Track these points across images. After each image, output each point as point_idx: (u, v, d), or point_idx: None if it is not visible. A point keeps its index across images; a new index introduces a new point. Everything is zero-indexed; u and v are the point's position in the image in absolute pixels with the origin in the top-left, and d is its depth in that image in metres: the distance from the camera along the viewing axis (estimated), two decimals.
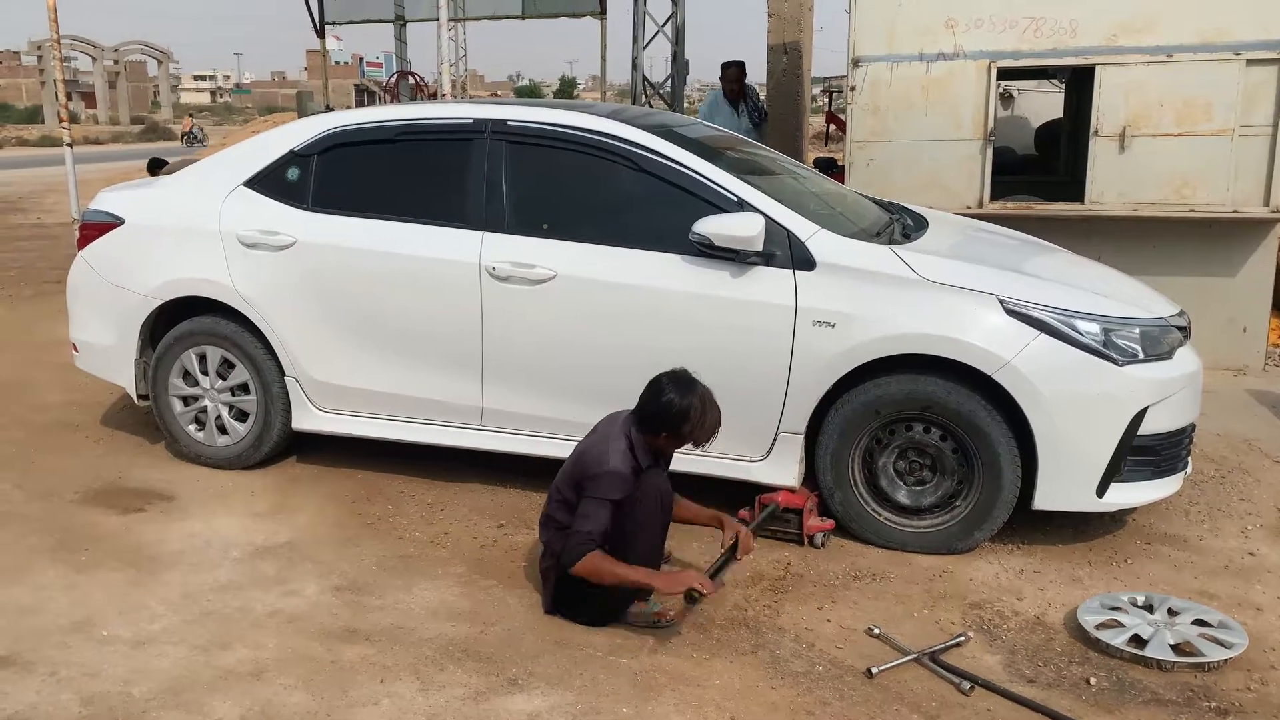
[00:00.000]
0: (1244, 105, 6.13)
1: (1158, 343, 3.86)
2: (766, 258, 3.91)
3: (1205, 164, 6.24)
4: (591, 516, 3.17)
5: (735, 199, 3.99)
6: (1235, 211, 6.26)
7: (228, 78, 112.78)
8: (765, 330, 3.90)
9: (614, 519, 3.20)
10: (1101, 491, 3.77)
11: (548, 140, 4.26)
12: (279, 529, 4.10)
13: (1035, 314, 3.74)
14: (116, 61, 62.94)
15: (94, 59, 62.20)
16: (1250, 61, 6.07)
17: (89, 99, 65.86)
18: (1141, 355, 3.78)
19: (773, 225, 3.90)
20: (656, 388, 3.31)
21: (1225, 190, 6.25)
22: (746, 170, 4.27)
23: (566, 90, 75.21)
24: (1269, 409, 5.74)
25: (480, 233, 4.21)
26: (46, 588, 3.60)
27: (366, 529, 4.11)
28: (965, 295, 3.79)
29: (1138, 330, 3.82)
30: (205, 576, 3.69)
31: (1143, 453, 3.81)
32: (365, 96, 34.86)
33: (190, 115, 53.64)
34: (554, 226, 4.19)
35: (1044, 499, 3.79)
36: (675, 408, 3.25)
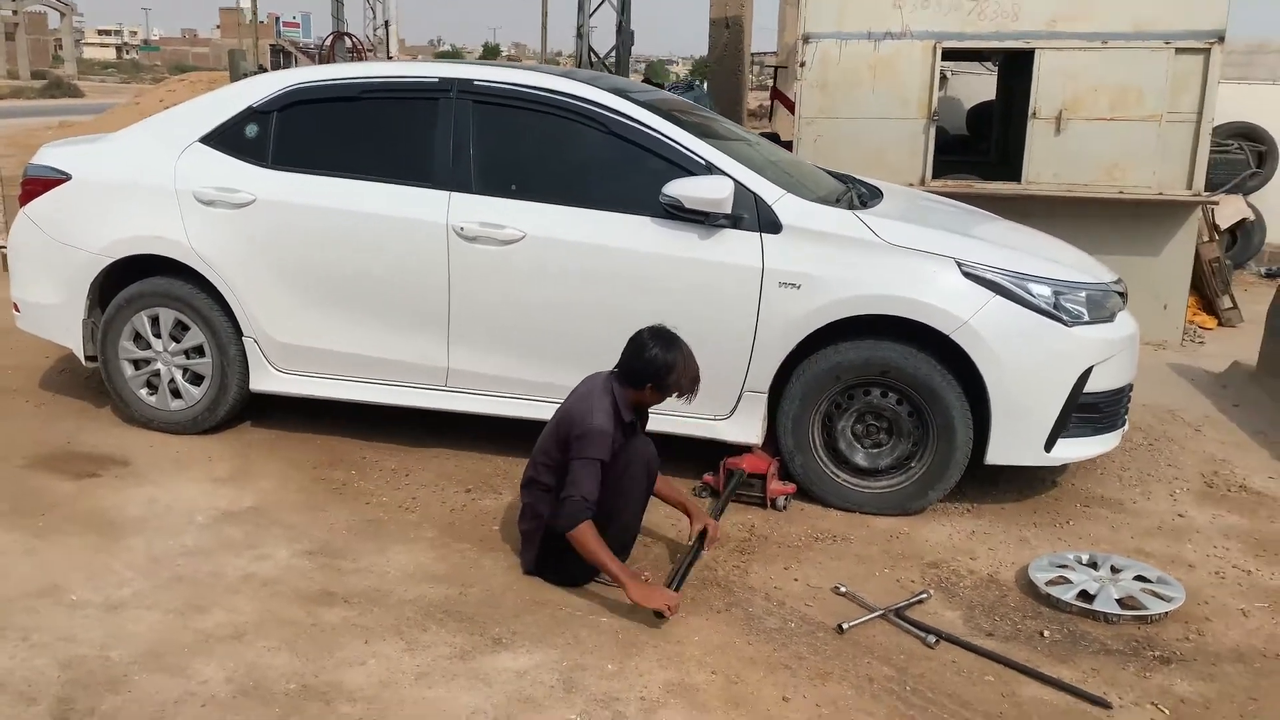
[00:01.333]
0: (1172, 93, 6.44)
1: (1100, 306, 4.06)
2: (734, 220, 3.99)
3: (1135, 148, 6.55)
4: (583, 480, 3.21)
5: (703, 162, 4.06)
6: (1160, 194, 6.59)
7: (134, 33, 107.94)
8: (732, 291, 3.99)
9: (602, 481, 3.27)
10: (1049, 447, 3.97)
11: (516, 101, 4.25)
12: (241, 494, 4.05)
13: (991, 276, 3.90)
14: (15, 13, 59.69)
15: None
16: (1179, 50, 6.37)
17: None
18: (1087, 317, 3.98)
19: (740, 189, 3.98)
20: (639, 343, 3.38)
21: (1152, 173, 6.57)
22: (707, 136, 4.33)
23: (491, 57, 74.12)
24: (1188, 381, 6.07)
25: (447, 193, 4.20)
26: (5, 553, 3.51)
27: (332, 494, 4.09)
28: (925, 258, 3.93)
29: (1084, 294, 4.01)
30: (171, 541, 3.63)
31: (1087, 410, 4.01)
32: (282, 57, 33.76)
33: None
34: (522, 187, 4.20)
35: (996, 454, 3.97)
36: (660, 361, 3.33)
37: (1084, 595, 3.43)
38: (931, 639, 3.17)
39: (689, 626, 3.20)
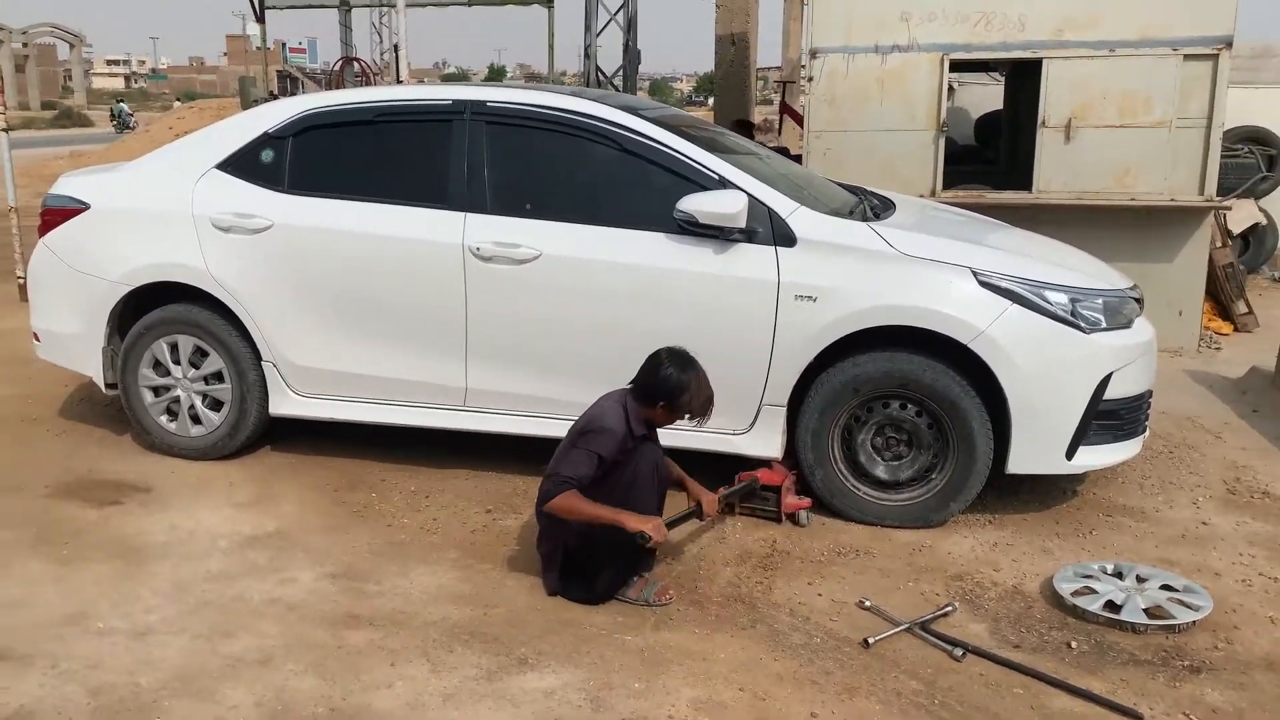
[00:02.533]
0: (1181, 99, 6.44)
1: (1118, 312, 4.05)
2: (749, 234, 4.00)
3: (1145, 155, 6.54)
4: (575, 464, 3.28)
5: (716, 177, 4.07)
6: (1172, 200, 6.58)
7: (143, 62, 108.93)
8: (748, 305, 3.99)
9: (607, 484, 3.31)
10: (1071, 454, 3.96)
11: (529, 121, 4.29)
12: (264, 519, 4.06)
13: (1007, 285, 3.90)
14: (25, 44, 60.37)
15: (1, 41, 59.58)
16: (1187, 57, 6.37)
17: None
18: (1104, 324, 3.97)
19: (754, 203, 4.00)
20: (656, 361, 3.42)
21: (1163, 180, 6.56)
22: (719, 150, 4.35)
23: (496, 78, 74.57)
24: (1206, 388, 6.04)
25: (463, 213, 4.23)
26: (32, 581, 3.53)
27: (354, 517, 4.11)
28: (941, 268, 3.93)
29: (1101, 300, 4.01)
30: (195, 567, 3.65)
31: (1107, 416, 4.00)
32: (289, 83, 34.05)
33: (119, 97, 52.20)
34: (537, 207, 4.23)
35: (1017, 463, 3.96)
36: (674, 380, 3.37)
37: (1110, 605, 3.40)
38: (958, 652, 3.15)
39: (714, 644, 3.20)
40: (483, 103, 4.33)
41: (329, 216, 4.34)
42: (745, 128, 8.90)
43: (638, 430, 3.41)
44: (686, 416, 3.44)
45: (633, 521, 3.25)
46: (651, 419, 3.46)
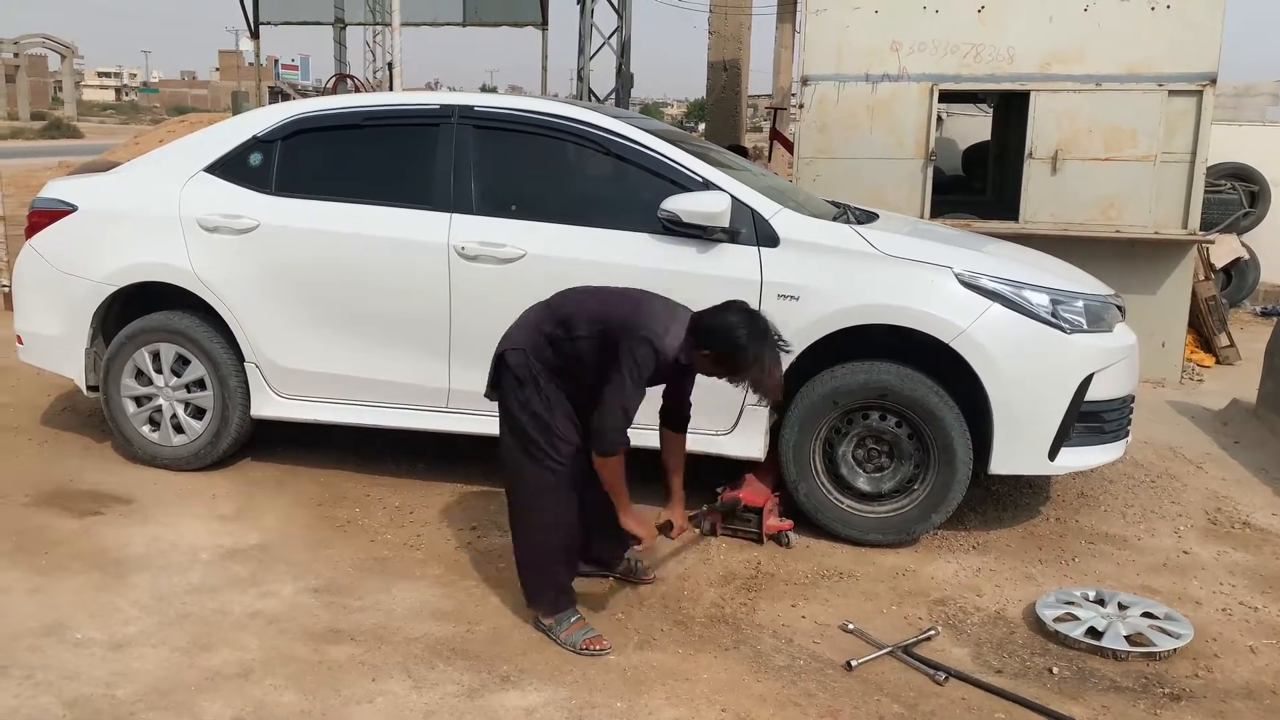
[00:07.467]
0: (1165, 134, 6.53)
1: (1099, 317, 4.09)
2: (732, 235, 4.02)
3: (1130, 188, 6.63)
4: (627, 404, 3.07)
5: (700, 180, 4.10)
6: (1156, 233, 6.66)
7: (134, 75, 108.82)
8: None
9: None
10: (1053, 455, 3.97)
11: (516, 125, 4.33)
12: (247, 532, 4.03)
13: (988, 285, 3.93)
14: (16, 55, 60.21)
15: None
16: (1172, 92, 6.47)
17: None
18: (1085, 326, 4.01)
19: (737, 204, 4.03)
20: (725, 305, 3.16)
21: (1148, 213, 6.64)
22: (705, 158, 4.37)
23: None
24: (1188, 419, 6.09)
25: (448, 214, 4.25)
26: (8, 590, 3.49)
27: (337, 531, 4.08)
28: (923, 268, 3.96)
29: (1081, 303, 4.05)
30: (176, 579, 3.61)
31: (1090, 418, 4.02)
32: (280, 99, 34.11)
33: None
34: (522, 208, 4.25)
35: (1000, 464, 3.97)
36: (735, 336, 3.05)
37: (1092, 632, 3.41)
38: (940, 676, 3.15)
39: (697, 664, 3.18)
40: (470, 107, 4.37)
41: (314, 216, 4.35)
42: (739, 152, 8.99)
43: (684, 359, 3.14)
44: (741, 386, 3.14)
45: (633, 522, 3.23)
46: (696, 363, 3.17)
